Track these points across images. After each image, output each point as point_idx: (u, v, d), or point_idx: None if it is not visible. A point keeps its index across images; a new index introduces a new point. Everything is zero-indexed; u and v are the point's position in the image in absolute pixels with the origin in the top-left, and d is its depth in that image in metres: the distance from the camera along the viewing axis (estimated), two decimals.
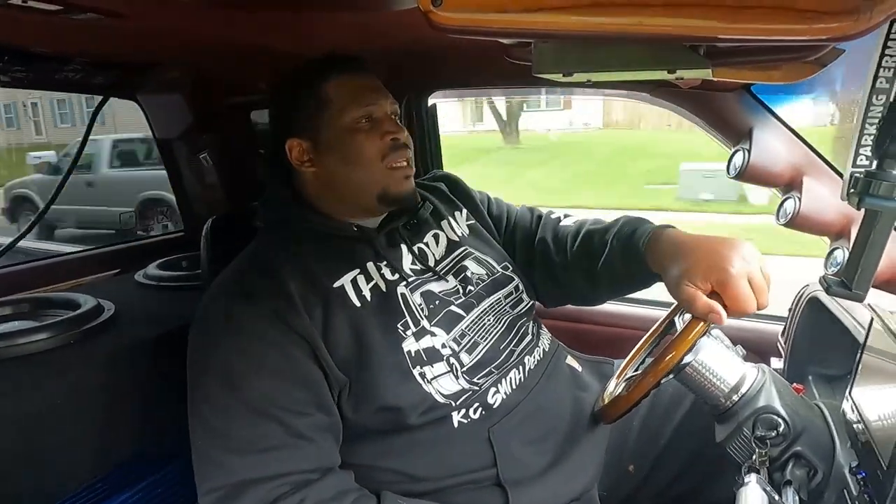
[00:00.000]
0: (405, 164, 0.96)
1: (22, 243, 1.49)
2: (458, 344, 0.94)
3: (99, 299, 1.20)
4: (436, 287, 0.98)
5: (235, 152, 1.72)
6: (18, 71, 1.25)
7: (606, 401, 0.96)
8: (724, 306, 0.81)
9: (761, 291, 0.81)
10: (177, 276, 1.47)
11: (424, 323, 0.92)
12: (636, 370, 0.98)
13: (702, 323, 0.82)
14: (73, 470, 1.00)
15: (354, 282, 0.92)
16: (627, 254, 0.98)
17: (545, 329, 1.11)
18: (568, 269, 1.08)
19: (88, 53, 1.30)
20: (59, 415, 0.96)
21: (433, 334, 0.92)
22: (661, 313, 1.05)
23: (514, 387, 0.96)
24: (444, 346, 0.92)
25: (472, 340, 0.95)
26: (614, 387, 0.99)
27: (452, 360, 0.92)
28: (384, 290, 0.93)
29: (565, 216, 1.16)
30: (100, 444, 1.03)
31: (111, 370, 1.05)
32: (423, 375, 0.89)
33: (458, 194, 1.16)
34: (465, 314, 0.97)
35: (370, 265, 0.94)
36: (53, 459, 0.96)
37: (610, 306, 1.62)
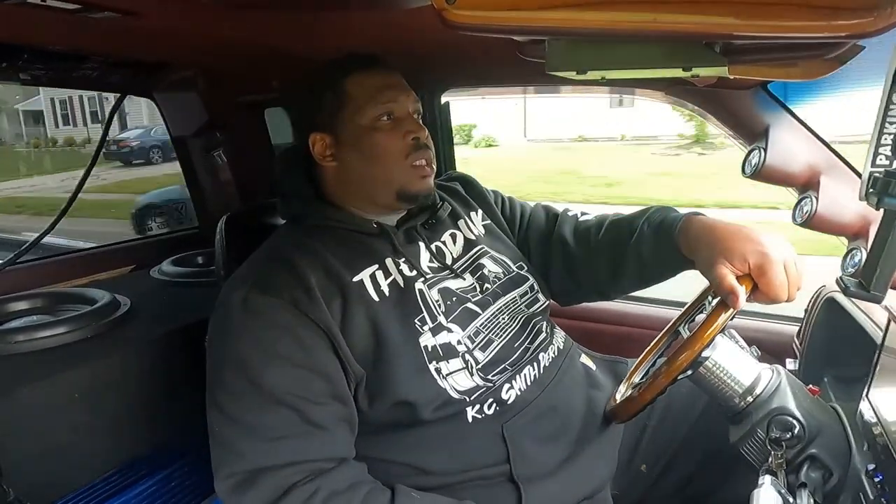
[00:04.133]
0: (425, 163, 0.97)
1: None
2: (473, 341, 0.94)
3: (115, 294, 1.22)
4: (453, 284, 0.98)
5: (249, 150, 1.73)
6: (38, 69, 1.27)
7: (619, 400, 0.96)
8: (753, 293, 0.81)
9: (794, 282, 0.82)
10: (192, 272, 1.48)
11: (441, 319, 0.93)
12: (648, 370, 0.98)
13: (714, 325, 0.81)
14: (88, 462, 1.02)
15: (373, 277, 0.92)
16: (659, 237, 0.97)
17: (559, 328, 1.11)
18: (590, 260, 1.07)
19: (105, 52, 1.32)
20: (76, 408, 0.97)
21: (450, 330, 0.92)
22: (675, 313, 1.04)
23: (528, 383, 0.96)
24: (459, 342, 0.92)
25: (487, 338, 0.95)
26: (627, 386, 0.99)
27: (468, 356, 0.92)
28: (402, 285, 0.93)
29: (582, 213, 1.15)
30: (115, 437, 1.04)
31: (127, 364, 1.06)
32: (438, 371, 0.89)
33: (474, 195, 1.16)
34: (480, 311, 0.97)
35: (389, 261, 0.95)
36: (70, 451, 0.97)
37: (623, 306, 1.61)
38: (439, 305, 0.94)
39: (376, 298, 0.90)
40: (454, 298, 0.96)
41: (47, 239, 1.54)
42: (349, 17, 1.05)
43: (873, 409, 0.78)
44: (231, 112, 1.68)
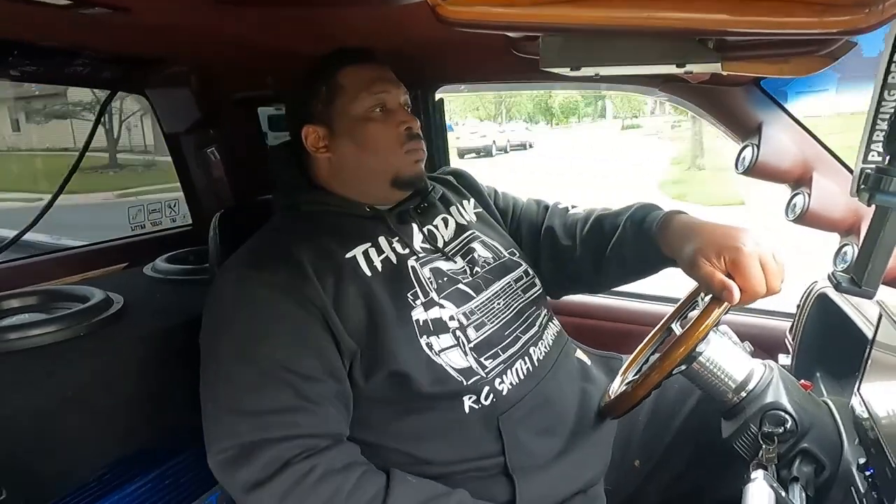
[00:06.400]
0: (418, 149, 1.00)
1: (30, 236, 1.49)
2: (467, 318, 0.95)
3: (108, 292, 1.21)
4: (444, 266, 1.00)
5: (242, 147, 1.73)
6: (28, 65, 1.26)
7: (613, 396, 0.96)
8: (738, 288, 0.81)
9: (774, 275, 0.81)
10: (185, 269, 1.48)
11: (433, 295, 0.94)
12: (642, 366, 0.98)
13: (707, 321, 0.81)
14: (83, 460, 1.01)
15: (366, 253, 0.94)
16: (639, 236, 0.99)
17: (555, 321, 1.11)
18: (576, 253, 1.09)
19: (97, 48, 1.31)
20: (69, 406, 0.96)
21: (441, 306, 0.94)
22: (669, 309, 1.05)
23: (521, 377, 0.96)
24: (451, 318, 0.93)
25: (480, 320, 0.96)
26: (621, 382, 0.99)
27: (459, 333, 0.93)
28: (395, 262, 0.95)
29: (573, 206, 1.17)
30: (108, 436, 1.04)
31: (120, 362, 1.05)
32: (430, 346, 0.90)
33: (466, 186, 1.19)
34: (474, 294, 0.98)
35: (382, 239, 0.97)
36: (63, 450, 0.97)
37: (617, 302, 1.62)
38: (431, 282, 0.96)
39: (369, 273, 0.92)
40: (445, 279, 0.98)
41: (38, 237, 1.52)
42: (344, 14, 1.04)
43: (864, 404, 0.79)
44: (224, 109, 1.67)
